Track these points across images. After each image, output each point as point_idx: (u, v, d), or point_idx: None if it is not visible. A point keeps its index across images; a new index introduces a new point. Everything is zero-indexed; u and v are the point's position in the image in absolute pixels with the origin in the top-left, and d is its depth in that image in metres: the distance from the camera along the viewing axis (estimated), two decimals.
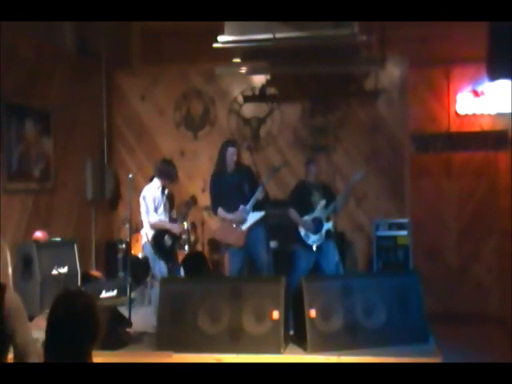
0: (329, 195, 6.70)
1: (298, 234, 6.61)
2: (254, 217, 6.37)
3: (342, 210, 7.05)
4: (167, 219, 6.34)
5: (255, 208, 6.39)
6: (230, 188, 6.43)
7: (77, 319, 2.40)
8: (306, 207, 6.64)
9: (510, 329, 6.84)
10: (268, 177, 6.62)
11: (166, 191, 6.42)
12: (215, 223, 8.09)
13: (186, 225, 7.76)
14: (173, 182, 6.46)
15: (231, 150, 6.43)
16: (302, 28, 6.77)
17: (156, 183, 6.36)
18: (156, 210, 6.24)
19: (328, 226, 6.60)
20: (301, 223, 6.59)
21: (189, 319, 5.06)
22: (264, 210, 6.44)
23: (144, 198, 6.25)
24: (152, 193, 6.26)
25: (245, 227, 6.37)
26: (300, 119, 8.51)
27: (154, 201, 6.24)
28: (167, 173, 6.32)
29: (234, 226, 6.39)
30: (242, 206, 6.35)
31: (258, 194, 6.35)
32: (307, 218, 6.60)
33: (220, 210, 6.49)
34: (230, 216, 6.41)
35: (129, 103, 8.90)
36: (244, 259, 6.47)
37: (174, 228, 6.29)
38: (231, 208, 6.41)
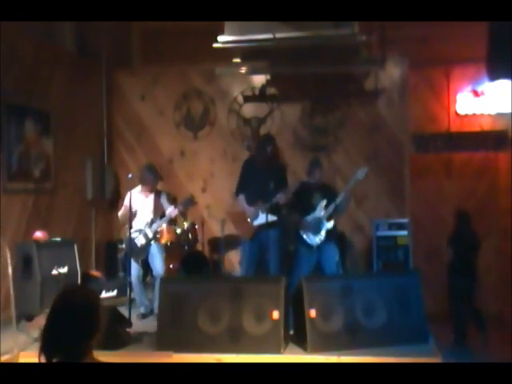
0: (329, 195, 6.66)
1: (300, 234, 6.61)
2: (264, 218, 6.48)
3: (346, 209, 6.98)
4: (146, 221, 6.59)
5: (271, 210, 6.50)
6: (258, 179, 6.59)
7: (77, 311, 2.40)
8: (306, 208, 6.63)
9: (510, 329, 6.84)
10: (289, 190, 6.69)
11: (153, 195, 6.68)
12: (215, 223, 8.11)
13: (186, 224, 7.77)
14: (153, 186, 6.71)
15: (269, 149, 6.64)
16: (302, 28, 6.77)
17: (138, 188, 6.69)
18: (134, 213, 6.53)
19: (329, 225, 6.59)
20: (301, 224, 6.60)
21: (189, 319, 5.06)
22: (275, 215, 6.56)
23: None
24: (130, 197, 6.49)
25: (256, 223, 6.53)
26: (300, 119, 8.51)
27: (134, 204, 6.50)
28: (147, 179, 6.64)
29: (248, 219, 6.58)
30: (260, 203, 6.50)
31: (280, 198, 6.49)
32: (307, 219, 6.58)
33: (241, 197, 6.73)
34: (246, 208, 6.63)
35: (129, 103, 8.90)
36: (255, 252, 6.63)
37: (136, 236, 6.56)
38: (251, 198, 6.62)
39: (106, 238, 8.58)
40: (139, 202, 6.61)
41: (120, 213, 6.74)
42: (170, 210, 6.59)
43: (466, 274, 6.92)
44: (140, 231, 6.57)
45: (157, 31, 8.54)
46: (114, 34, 8.36)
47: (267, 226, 6.51)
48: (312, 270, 6.58)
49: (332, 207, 6.56)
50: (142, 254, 6.56)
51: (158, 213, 6.66)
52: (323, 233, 6.55)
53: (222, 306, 5.06)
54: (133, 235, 6.50)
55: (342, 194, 6.61)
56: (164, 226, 6.79)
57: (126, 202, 6.53)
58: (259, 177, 6.59)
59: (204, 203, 8.38)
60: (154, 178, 6.66)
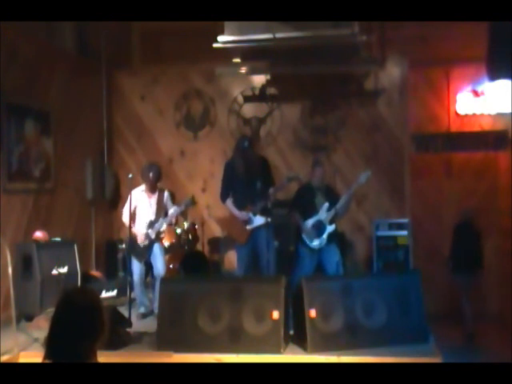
0: (332, 197, 6.60)
1: (301, 237, 6.58)
2: (259, 220, 6.41)
3: (346, 213, 6.91)
4: (148, 221, 6.55)
5: (262, 212, 6.43)
6: (243, 181, 6.45)
7: (81, 314, 2.40)
8: (309, 210, 6.57)
9: (510, 329, 6.84)
10: (279, 186, 6.63)
11: (157, 194, 6.62)
12: (215, 223, 8.11)
13: (186, 224, 7.78)
14: (153, 184, 6.62)
15: (247, 149, 6.49)
16: (302, 28, 6.77)
17: (141, 187, 6.65)
18: (136, 211, 6.55)
19: (331, 228, 6.51)
20: (302, 229, 6.56)
21: (189, 319, 5.06)
22: (268, 216, 6.44)
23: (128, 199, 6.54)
24: (134, 195, 6.50)
25: (249, 227, 6.41)
26: (300, 119, 8.51)
27: (137, 203, 6.54)
28: (146, 176, 6.59)
29: (242, 225, 6.44)
30: (250, 207, 6.38)
31: (270, 196, 6.41)
32: (309, 221, 6.54)
33: (229, 202, 6.56)
34: (237, 213, 6.47)
35: (129, 103, 8.90)
36: (250, 255, 6.51)
37: (139, 235, 6.53)
38: (239, 201, 6.47)
39: (106, 238, 8.58)
40: (142, 201, 6.58)
41: (124, 213, 6.64)
42: (173, 210, 6.56)
43: None
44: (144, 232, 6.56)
45: (157, 31, 8.53)
46: (114, 34, 8.37)
47: (260, 227, 6.41)
48: (313, 271, 6.57)
49: (334, 210, 6.51)
50: (145, 254, 6.55)
51: (161, 213, 6.62)
52: (325, 236, 6.51)
53: (222, 306, 5.06)
54: (134, 235, 6.50)
55: (344, 197, 6.56)
56: (164, 226, 6.77)
57: (128, 199, 6.50)
58: (244, 178, 6.45)
59: (204, 203, 8.38)
60: (152, 176, 6.55)
